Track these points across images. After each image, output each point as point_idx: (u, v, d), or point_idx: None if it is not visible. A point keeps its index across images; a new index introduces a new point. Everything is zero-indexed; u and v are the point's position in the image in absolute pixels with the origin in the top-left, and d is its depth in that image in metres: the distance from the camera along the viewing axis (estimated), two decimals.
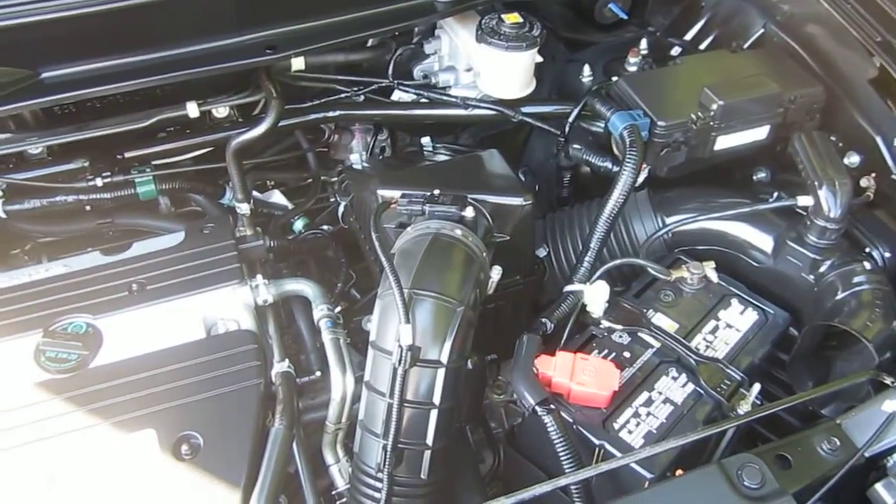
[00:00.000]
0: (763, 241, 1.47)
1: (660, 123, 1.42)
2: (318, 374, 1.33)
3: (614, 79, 1.59)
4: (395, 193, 1.33)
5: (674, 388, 1.26)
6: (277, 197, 1.81)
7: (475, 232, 1.25)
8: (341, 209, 1.71)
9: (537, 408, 1.15)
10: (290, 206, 1.82)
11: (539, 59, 1.59)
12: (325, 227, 1.76)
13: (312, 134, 1.91)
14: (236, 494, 1.10)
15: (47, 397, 1.19)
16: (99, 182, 1.58)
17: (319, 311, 1.33)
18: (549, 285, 1.57)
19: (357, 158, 1.85)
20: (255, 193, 1.78)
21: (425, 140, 1.82)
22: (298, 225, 1.79)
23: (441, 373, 1.13)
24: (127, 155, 1.66)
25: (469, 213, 1.25)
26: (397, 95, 1.83)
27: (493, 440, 1.53)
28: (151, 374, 1.21)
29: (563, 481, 1.05)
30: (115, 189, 1.60)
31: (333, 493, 1.28)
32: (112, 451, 1.14)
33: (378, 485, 1.15)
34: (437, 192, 1.29)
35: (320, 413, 1.30)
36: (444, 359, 1.13)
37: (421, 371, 1.13)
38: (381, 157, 1.95)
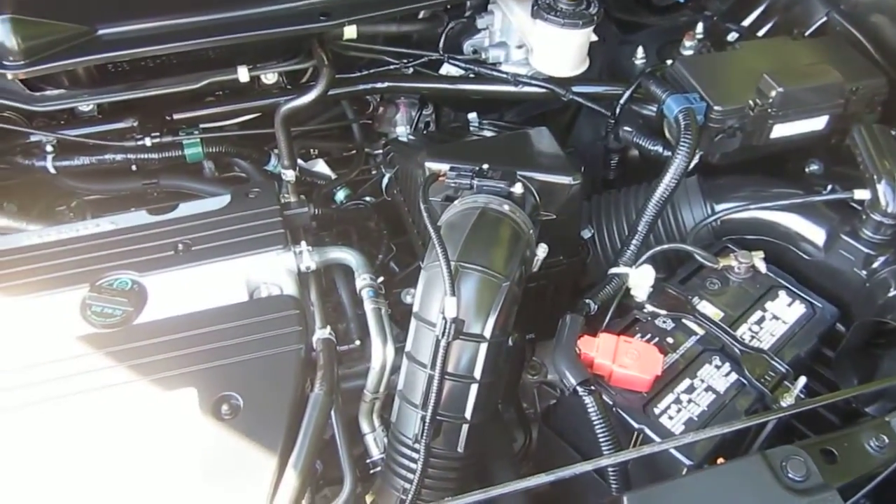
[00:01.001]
0: (815, 233, 1.44)
1: (716, 108, 1.39)
2: (357, 343, 1.33)
3: (669, 62, 1.56)
4: (442, 166, 1.32)
5: (716, 376, 1.24)
6: (321, 166, 1.81)
7: (522, 208, 1.24)
8: (385, 181, 1.70)
9: (578, 388, 1.14)
10: (332, 175, 1.82)
11: (594, 37, 1.56)
12: (367, 198, 1.75)
13: (357, 105, 1.91)
14: (274, 457, 1.11)
15: (92, 351, 1.21)
16: (148, 142, 1.59)
17: (362, 281, 1.33)
18: (591, 267, 1.55)
19: (403, 132, 1.84)
20: (299, 161, 1.78)
21: (472, 116, 1.81)
22: (340, 195, 1.79)
23: (483, 347, 1.13)
24: (175, 117, 1.67)
25: (518, 189, 1.24)
26: (445, 70, 1.82)
27: (525, 420, 1.52)
28: (194, 334, 1.22)
29: (603, 462, 1.04)
30: (162, 150, 1.61)
31: (367, 461, 1.28)
32: (153, 407, 1.15)
33: (414, 455, 1.15)
34: (485, 166, 1.27)
35: (357, 382, 1.30)
36: (487, 333, 1.12)
37: (463, 344, 1.12)
38: (424, 131, 1.94)
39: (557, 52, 1.54)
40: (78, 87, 1.56)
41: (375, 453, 1.29)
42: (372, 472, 1.28)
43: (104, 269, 1.31)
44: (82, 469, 1.09)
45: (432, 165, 1.34)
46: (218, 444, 1.12)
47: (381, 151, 1.92)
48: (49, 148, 1.61)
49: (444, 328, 1.09)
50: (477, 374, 1.13)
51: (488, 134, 1.85)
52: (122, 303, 1.26)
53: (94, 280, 1.30)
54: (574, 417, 1.28)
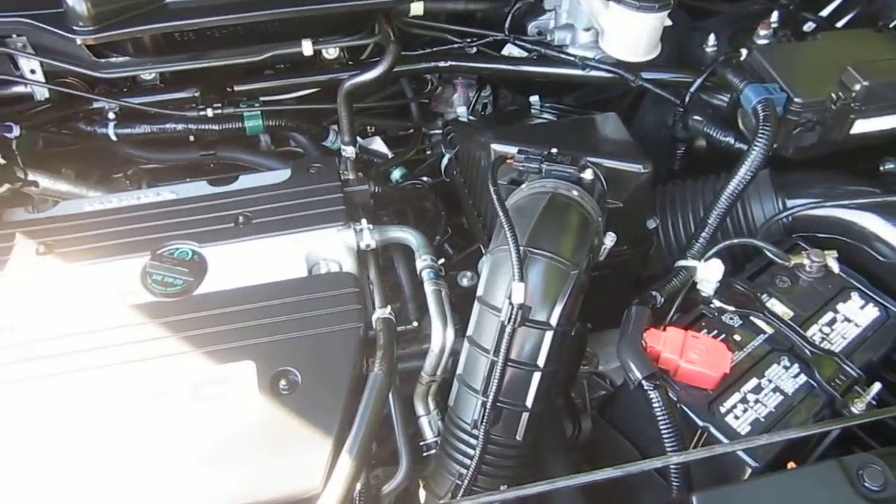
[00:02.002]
0: (892, 234, 1.39)
1: (797, 100, 1.34)
2: (415, 324, 1.31)
3: (743, 51, 1.51)
4: (508, 149, 1.30)
5: (785, 377, 1.20)
6: (378, 144, 1.79)
7: (591, 195, 1.21)
8: (445, 161, 1.68)
9: (644, 382, 1.11)
10: (389, 154, 1.80)
11: (669, 22, 1.52)
12: (424, 178, 1.73)
13: (415, 84, 1.88)
14: (330, 435, 1.10)
15: (151, 319, 1.21)
16: (209, 113, 1.58)
17: (423, 262, 1.31)
18: (653, 259, 1.52)
19: (463, 112, 1.81)
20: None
21: (534, 99, 1.77)
22: (396, 174, 1.77)
23: (548, 335, 1.10)
24: (236, 89, 1.66)
25: (588, 175, 1.21)
26: (507, 51, 1.79)
27: (574, 410, 1.50)
28: (253, 307, 1.22)
29: (674, 459, 1.01)
30: (223, 121, 1.60)
31: (421, 443, 1.27)
32: (211, 378, 1.15)
33: (472, 441, 1.13)
34: (554, 150, 1.24)
35: (412, 363, 1.28)
36: (554, 321, 1.10)
37: (528, 331, 1.10)
38: (482, 113, 1.92)
39: (630, 35, 1.50)
40: (142, 55, 1.56)
41: (429, 436, 1.28)
42: (425, 454, 1.27)
43: (165, 238, 1.31)
44: (137, 437, 1.10)
45: (498, 148, 1.32)
46: (274, 420, 1.12)
47: (437, 131, 1.90)
48: (111, 115, 1.61)
49: (511, 314, 1.07)
50: (540, 362, 1.11)
51: (548, 118, 1.82)
52: (182, 272, 1.26)
53: (155, 249, 1.30)
54: (634, 411, 1.26)
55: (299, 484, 1.08)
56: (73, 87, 1.60)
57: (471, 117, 1.81)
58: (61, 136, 1.64)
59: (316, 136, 1.71)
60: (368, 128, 1.85)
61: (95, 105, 1.61)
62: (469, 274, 1.44)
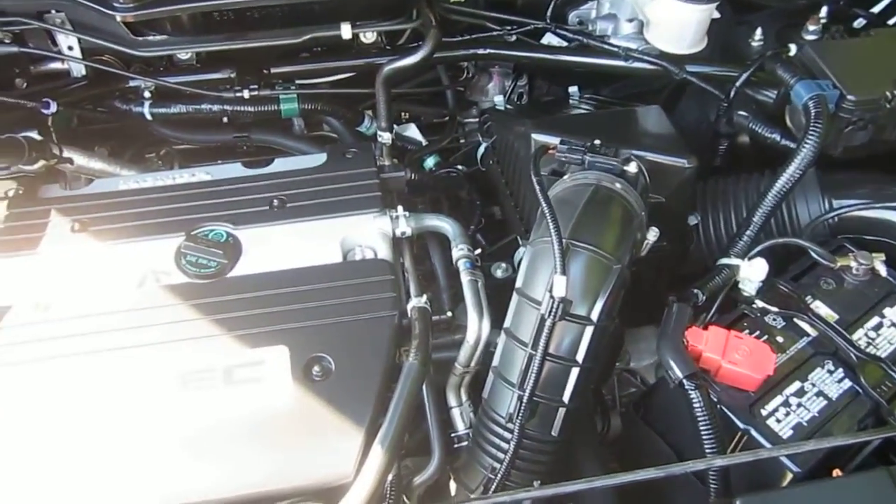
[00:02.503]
0: None
1: (850, 98, 1.30)
2: (449, 314, 1.29)
3: (792, 46, 1.47)
4: (549, 139, 1.28)
5: (829, 381, 1.17)
6: (413, 131, 1.77)
7: (635, 189, 1.18)
8: (481, 150, 1.65)
9: (685, 381, 1.09)
10: (423, 141, 1.78)
11: (717, 14, 1.48)
12: (458, 166, 1.71)
13: (450, 71, 1.86)
14: (363, 423, 1.09)
15: (185, 300, 1.20)
16: (246, 94, 1.57)
17: (459, 251, 1.29)
18: (692, 256, 1.49)
19: (500, 101, 1.79)
20: None
21: (573, 89, 1.74)
22: (429, 162, 1.75)
23: (588, 331, 1.08)
24: (272, 71, 1.65)
25: (632, 168, 1.18)
26: (546, 40, 1.76)
27: (604, 406, 1.47)
28: (288, 292, 1.20)
29: (718, 462, 0.99)
30: (259, 103, 1.59)
31: (452, 435, 1.25)
32: (244, 362, 1.14)
33: (507, 434, 1.11)
34: (597, 142, 1.22)
35: (445, 353, 1.26)
36: (594, 316, 1.08)
37: (568, 326, 1.08)
38: (518, 103, 1.89)
39: (677, 27, 1.46)
40: (180, 34, 1.55)
41: (461, 428, 1.26)
42: (456, 446, 1.25)
43: (199, 219, 1.30)
44: (169, 417, 1.09)
45: (539, 138, 1.29)
46: (307, 406, 1.10)
47: (471, 120, 1.88)
48: (147, 94, 1.60)
49: (551, 308, 1.04)
50: (579, 357, 1.09)
51: (585, 109, 1.79)
52: (217, 254, 1.25)
53: (190, 230, 1.29)
54: (670, 410, 1.23)
55: (331, 471, 1.07)
56: (109, 65, 1.60)
57: (508, 106, 1.78)
58: (96, 114, 1.64)
59: (351, 121, 1.69)
60: (403, 114, 1.83)
61: (131, 84, 1.60)
62: (504, 265, 1.42)
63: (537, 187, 1.10)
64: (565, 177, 1.20)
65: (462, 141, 1.86)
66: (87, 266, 1.24)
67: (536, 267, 1.10)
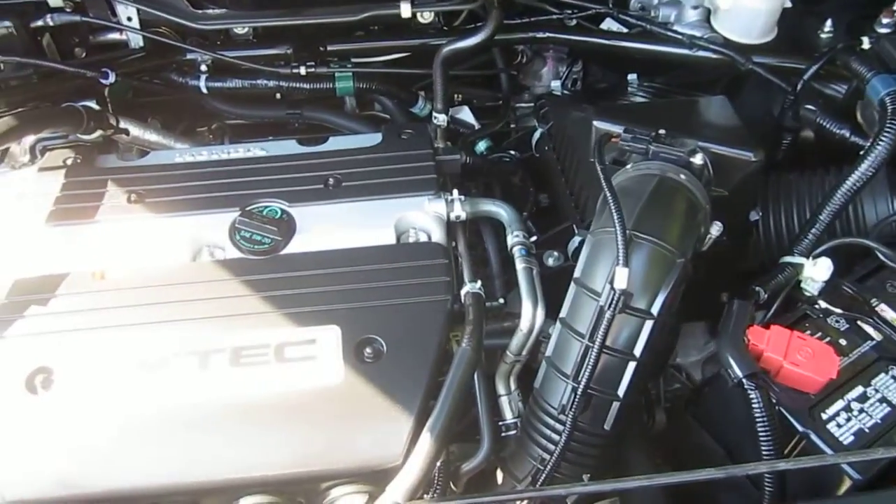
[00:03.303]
0: None
1: None
2: (501, 301, 1.27)
3: (865, 39, 1.42)
4: (611, 127, 1.24)
5: (893, 388, 1.13)
6: (466, 114, 1.75)
7: (699, 181, 1.15)
8: (536, 136, 1.63)
9: (745, 381, 1.06)
10: (476, 124, 1.75)
11: (788, 3, 1.43)
12: (511, 151, 1.69)
13: (504, 55, 1.83)
14: (413, 407, 1.08)
15: (238, 276, 1.20)
16: (303, 71, 1.56)
17: (514, 238, 1.27)
18: (751, 252, 1.45)
19: (557, 86, 1.76)
20: None
21: (632, 77, 1.71)
22: (481, 146, 1.73)
23: (648, 325, 1.06)
24: (328, 48, 1.63)
25: (697, 159, 1.15)
26: (605, 25, 1.72)
27: (649, 401, 1.45)
28: (341, 271, 1.20)
29: (782, 465, 0.96)
30: (315, 80, 1.59)
31: (500, 423, 1.24)
32: (296, 340, 1.13)
33: (558, 426, 1.10)
34: (662, 131, 1.19)
35: (496, 341, 1.25)
36: (655, 310, 1.05)
37: (627, 319, 1.05)
38: (572, 89, 1.86)
39: (748, 16, 1.42)
40: (239, 8, 1.54)
41: (508, 416, 1.24)
42: (503, 434, 1.23)
43: (254, 195, 1.30)
44: (219, 392, 1.09)
45: (601, 125, 1.26)
46: (357, 387, 1.10)
47: (523, 105, 1.85)
48: (203, 68, 1.60)
49: (611, 299, 1.02)
50: (637, 351, 1.07)
51: (641, 98, 1.75)
52: (271, 231, 1.25)
53: (244, 205, 1.28)
54: (724, 409, 1.20)
55: (379, 455, 1.07)
56: (167, 37, 1.60)
57: (565, 92, 1.75)
58: (150, 85, 1.65)
59: (404, 101, 1.67)
60: (455, 96, 1.81)
61: (189, 57, 1.60)
62: (556, 254, 1.39)
63: (602, 176, 1.08)
64: (628, 166, 1.17)
65: (513, 126, 1.83)
66: (142, 237, 1.25)
67: (597, 257, 1.08)
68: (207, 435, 1.07)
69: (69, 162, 1.37)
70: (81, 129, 1.40)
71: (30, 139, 1.40)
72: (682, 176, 1.13)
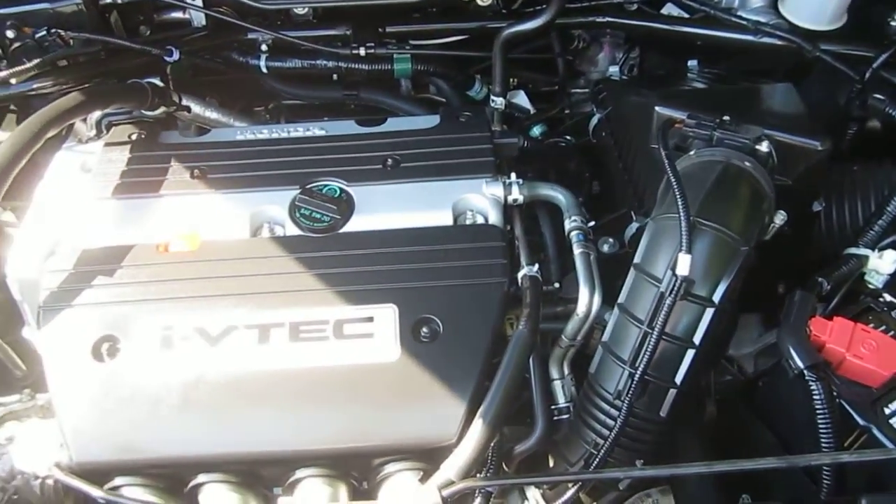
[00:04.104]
0: None
1: None
2: (556, 285, 1.27)
3: None
4: (674, 113, 1.23)
5: None
6: (521, 98, 1.74)
7: (764, 168, 1.14)
8: (594, 121, 1.61)
9: (806, 371, 1.05)
10: (531, 109, 1.75)
11: None
12: (567, 136, 1.68)
13: (561, 39, 1.81)
14: (469, 387, 1.09)
15: (297, 253, 1.22)
16: (362, 52, 1.57)
17: (572, 223, 1.26)
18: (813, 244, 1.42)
19: (615, 71, 1.74)
20: None
21: (692, 63, 1.68)
22: (535, 131, 1.72)
23: (709, 313, 1.05)
24: (387, 30, 1.64)
25: (763, 147, 1.14)
26: (665, 10, 1.69)
27: (700, 392, 1.44)
28: (398, 251, 1.21)
29: (845, 457, 0.95)
30: (373, 62, 1.59)
31: (553, 407, 1.24)
32: (353, 317, 1.15)
33: (613, 411, 1.09)
34: (726, 118, 1.17)
35: (550, 325, 1.24)
36: (716, 298, 1.04)
37: (688, 306, 1.05)
38: (630, 75, 1.83)
39: (819, 0, 1.39)
40: None
41: (561, 401, 1.24)
42: (555, 418, 1.24)
43: (314, 173, 1.32)
44: (277, 365, 1.11)
45: (663, 111, 1.25)
46: (414, 366, 1.11)
47: (578, 90, 1.83)
48: (264, 47, 1.62)
49: (673, 286, 1.02)
50: (696, 339, 1.06)
51: (700, 85, 1.72)
52: (330, 209, 1.26)
53: (304, 183, 1.30)
54: (783, 401, 1.19)
55: (433, 433, 1.08)
56: (228, 17, 1.62)
57: (623, 77, 1.73)
58: (211, 64, 1.66)
59: (461, 84, 1.67)
60: (511, 80, 1.80)
61: (249, 36, 1.62)
62: (611, 240, 1.38)
63: (666, 162, 1.07)
64: (691, 152, 1.16)
65: (567, 111, 1.82)
66: (204, 212, 1.27)
67: (658, 243, 1.08)
68: (265, 407, 1.10)
69: (134, 137, 1.40)
70: (146, 106, 1.43)
71: (96, 114, 1.43)
72: (748, 163, 1.12)
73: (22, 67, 1.41)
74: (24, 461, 1.07)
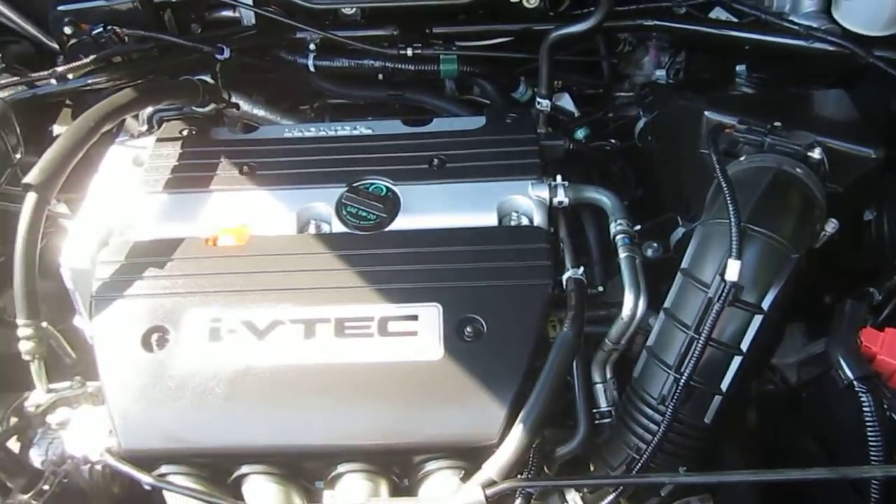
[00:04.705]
0: None
1: None
2: (600, 289, 1.27)
3: None
4: (723, 118, 1.22)
5: None
6: (566, 101, 1.74)
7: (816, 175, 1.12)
8: (640, 125, 1.61)
9: (856, 383, 1.03)
10: (575, 112, 1.74)
11: None
12: (611, 140, 1.67)
13: (607, 42, 1.80)
14: (512, 388, 1.09)
15: (343, 250, 1.23)
16: (409, 52, 1.58)
17: (618, 226, 1.26)
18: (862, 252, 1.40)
19: (662, 75, 1.73)
20: None
21: (740, 68, 1.66)
22: (579, 134, 1.72)
23: (757, 320, 1.04)
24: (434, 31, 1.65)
25: (816, 154, 1.12)
26: (714, 14, 1.68)
27: (741, 399, 1.42)
28: (443, 251, 1.22)
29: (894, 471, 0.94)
30: (420, 62, 1.60)
31: (594, 411, 1.23)
32: (397, 315, 1.15)
33: (656, 416, 1.09)
34: (777, 123, 1.16)
35: (593, 328, 1.24)
36: (766, 305, 1.03)
37: (736, 312, 1.04)
38: (676, 79, 1.82)
39: (875, 5, 1.36)
40: None
41: (603, 404, 1.24)
42: (596, 422, 1.23)
43: (360, 172, 1.33)
44: (321, 360, 1.12)
45: (712, 116, 1.24)
46: (457, 365, 1.12)
47: (622, 94, 1.82)
48: (312, 46, 1.64)
49: (721, 292, 1.01)
50: (744, 346, 1.05)
51: (747, 90, 1.71)
52: (376, 207, 1.27)
53: (351, 181, 1.31)
54: (830, 411, 1.17)
55: (475, 432, 1.08)
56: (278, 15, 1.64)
57: (669, 81, 1.72)
58: (260, 62, 1.69)
59: (506, 85, 1.67)
60: (556, 82, 1.79)
61: (298, 35, 1.64)
62: (655, 245, 1.37)
63: (717, 166, 1.06)
64: (741, 158, 1.15)
65: (611, 115, 1.81)
66: (252, 207, 1.29)
67: (707, 248, 1.07)
68: (309, 401, 1.11)
69: (185, 133, 1.42)
70: (197, 102, 1.45)
71: (148, 110, 1.46)
72: (799, 170, 1.11)
73: (78, 63, 1.44)
74: (75, 446, 1.10)
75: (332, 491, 1.12)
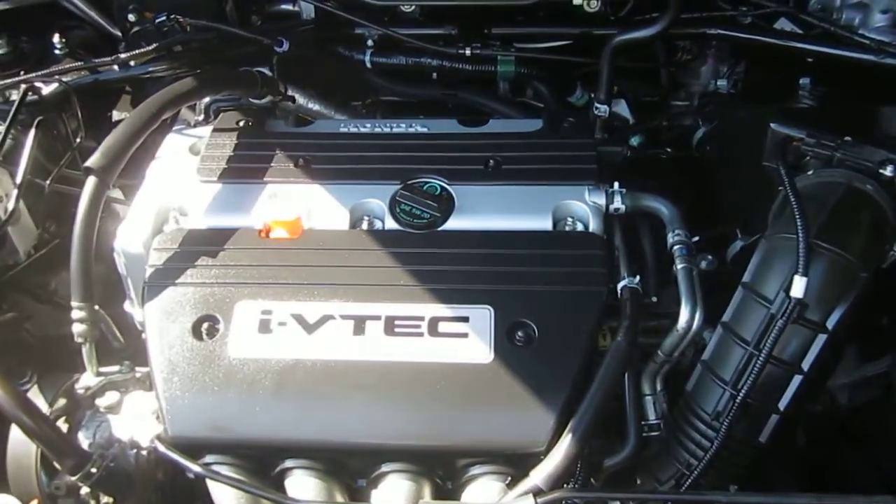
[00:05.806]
0: None
1: None
2: (654, 299, 1.24)
3: None
4: (789, 131, 1.19)
5: None
6: (622, 107, 1.71)
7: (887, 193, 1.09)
8: (699, 135, 1.58)
9: None
10: (630, 119, 1.72)
11: None
12: (667, 149, 1.64)
13: (665, 49, 1.78)
14: (562, 395, 1.07)
15: (396, 248, 1.22)
16: (468, 52, 1.57)
17: (675, 237, 1.23)
18: None
19: (724, 85, 1.70)
20: None
21: (804, 81, 1.62)
22: (633, 142, 1.69)
23: (820, 339, 1.01)
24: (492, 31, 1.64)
25: (888, 171, 1.09)
26: (779, 25, 1.64)
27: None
28: (496, 253, 1.20)
29: None
30: (478, 62, 1.59)
31: (643, 423, 1.21)
32: (449, 316, 1.14)
33: (709, 432, 1.07)
34: (847, 138, 1.13)
35: (646, 339, 1.22)
36: (830, 324, 1.00)
37: (799, 330, 1.01)
38: (733, 90, 1.78)
39: None
40: None
41: (652, 417, 1.21)
42: (644, 434, 1.21)
43: (415, 170, 1.32)
44: (370, 357, 1.12)
45: (779, 129, 1.21)
46: (507, 370, 1.10)
47: (678, 102, 1.79)
48: (370, 43, 1.63)
49: (785, 308, 0.98)
50: (805, 364, 1.02)
51: (809, 103, 1.66)
52: (430, 206, 1.26)
53: (406, 179, 1.30)
54: (890, 434, 1.14)
55: (523, 438, 1.07)
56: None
57: (731, 91, 1.69)
58: (316, 56, 1.69)
59: (562, 89, 1.65)
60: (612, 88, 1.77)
61: (356, 31, 1.64)
62: (710, 257, 1.35)
63: (786, 180, 1.04)
64: (809, 172, 1.12)
65: (666, 123, 1.78)
66: (307, 200, 1.29)
67: (771, 263, 1.04)
68: (356, 398, 1.10)
69: (242, 124, 1.43)
70: (254, 94, 1.46)
71: (205, 99, 1.47)
72: (870, 186, 1.07)
73: (141, 51, 1.46)
74: (124, 431, 1.10)
75: (376, 490, 1.11)
